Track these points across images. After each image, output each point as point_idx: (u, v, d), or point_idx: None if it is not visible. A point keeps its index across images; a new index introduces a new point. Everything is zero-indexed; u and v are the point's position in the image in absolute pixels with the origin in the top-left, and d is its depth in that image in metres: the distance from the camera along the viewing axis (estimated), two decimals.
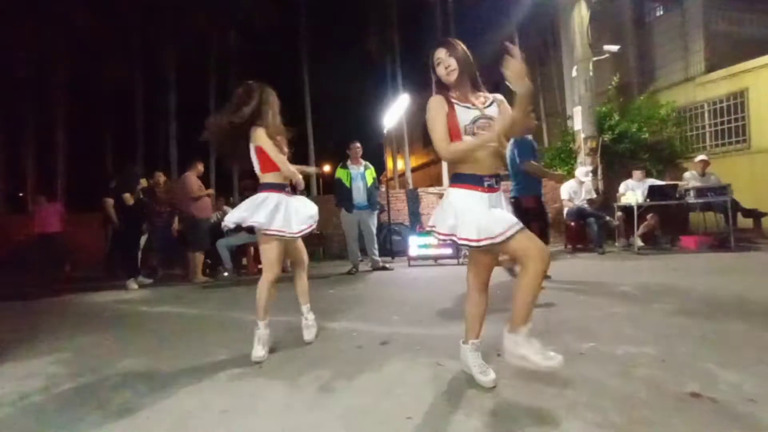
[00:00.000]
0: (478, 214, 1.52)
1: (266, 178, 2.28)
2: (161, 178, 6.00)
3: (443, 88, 1.65)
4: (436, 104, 1.61)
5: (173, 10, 12.41)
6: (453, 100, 1.60)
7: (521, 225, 1.50)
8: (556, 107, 11.39)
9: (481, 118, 1.59)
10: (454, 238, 1.57)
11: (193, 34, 12.41)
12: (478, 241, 1.49)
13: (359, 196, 5.22)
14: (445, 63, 1.61)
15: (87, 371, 2.08)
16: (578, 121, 7.19)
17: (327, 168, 25.40)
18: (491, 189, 1.59)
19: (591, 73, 7.13)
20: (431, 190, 7.84)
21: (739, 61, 7.90)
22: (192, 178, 5.36)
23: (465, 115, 1.58)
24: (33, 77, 11.90)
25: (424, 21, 14.37)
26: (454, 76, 1.61)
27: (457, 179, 1.62)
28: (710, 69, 8.50)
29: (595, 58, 7.19)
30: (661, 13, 10.05)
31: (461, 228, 1.53)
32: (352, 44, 15.80)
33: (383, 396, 1.62)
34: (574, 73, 7.32)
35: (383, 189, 8.35)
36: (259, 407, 1.59)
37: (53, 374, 2.07)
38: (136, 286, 4.88)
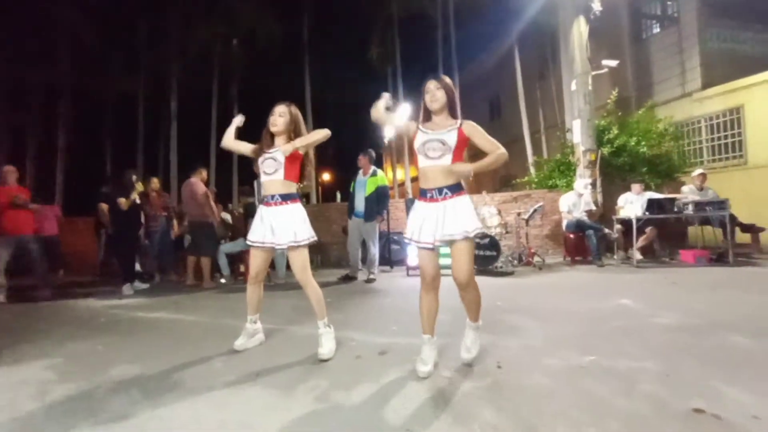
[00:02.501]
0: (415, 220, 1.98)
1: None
2: (156, 183, 5.98)
3: (427, 112, 2.03)
4: (410, 127, 2.07)
5: (176, 17, 12.55)
6: (420, 127, 2.01)
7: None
8: (555, 120, 11.50)
9: (430, 140, 1.94)
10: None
11: (196, 41, 12.52)
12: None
13: (359, 204, 5.21)
14: (432, 94, 1.97)
15: (79, 378, 2.04)
16: (577, 134, 7.24)
17: (327, 176, 25.51)
18: (431, 200, 1.95)
19: (590, 87, 7.22)
20: None
21: (734, 77, 8.02)
22: (200, 184, 5.37)
23: (420, 140, 1.98)
24: (34, 81, 11.94)
25: (426, 33, 14.57)
26: (436, 106, 1.97)
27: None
28: (706, 85, 8.62)
29: (594, 73, 7.28)
30: (658, 29, 10.24)
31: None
32: (354, 53, 16.00)
33: (381, 407, 1.59)
34: (573, 87, 7.40)
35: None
36: (255, 416, 1.56)
37: (45, 380, 2.02)
38: (131, 292, 4.82)
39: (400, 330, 2.75)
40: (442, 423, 1.45)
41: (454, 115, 2.01)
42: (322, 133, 2.34)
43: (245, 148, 2.46)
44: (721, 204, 5.40)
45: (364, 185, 5.17)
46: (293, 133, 2.36)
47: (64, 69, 12.03)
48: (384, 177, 5.27)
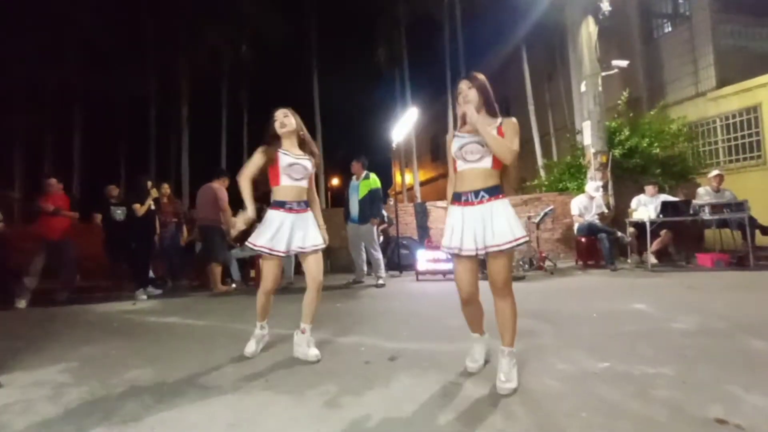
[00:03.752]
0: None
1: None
2: (166, 189, 6.08)
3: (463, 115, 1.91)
4: (447, 141, 1.98)
5: (186, 23, 12.81)
6: (455, 133, 1.93)
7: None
8: (564, 122, 11.38)
9: (468, 143, 1.83)
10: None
11: (206, 47, 12.76)
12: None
13: (353, 208, 5.24)
14: (465, 95, 1.86)
15: (93, 381, 2.08)
16: (587, 135, 7.16)
17: (336, 181, 25.60)
18: (467, 203, 1.85)
19: (600, 88, 7.13)
20: (440, 203, 7.79)
21: (750, 75, 7.83)
22: (223, 190, 5.41)
23: (456, 144, 1.89)
24: (48, 87, 12.28)
25: (433, 36, 14.61)
26: (469, 108, 1.83)
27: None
28: (721, 84, 8.44)
29: (603, 74, 7.19)
30: (669, 28, 10.09)
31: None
32: (361, 58, 16.10)
33: (391, 412, 1.58)
34: (582, 88, 7.33)
35: (391, 203, 8.34)
36: (266, 420, 1.57)
37: (59, 383, 2.06)
38: (145, 297, 4.90)
39: (410, 335, 2.73)
40: (453, 430, 1.43)
41: (492, 113, 1.87)
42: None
43: (255, 167, 2.34)
44: (740, 206, 5.26)
45: (357, 189, 5.20)
46: (301, 132, 2.39)
47: (78, 74, 12.33)
48: (377, 180, 5.28)
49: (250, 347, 2.38)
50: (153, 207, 5.24)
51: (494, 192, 1.81)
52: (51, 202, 4.89)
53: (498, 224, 1.76)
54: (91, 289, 5.67)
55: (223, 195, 5.38)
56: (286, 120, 2.34)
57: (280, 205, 2.31)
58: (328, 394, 1.79)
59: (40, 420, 1.66)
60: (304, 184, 2.37)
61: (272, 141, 2.36)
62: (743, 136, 8.16)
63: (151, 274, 5.59)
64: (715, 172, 6.12)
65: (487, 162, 1.81)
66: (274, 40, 13.24)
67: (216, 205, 5.30)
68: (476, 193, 1.81)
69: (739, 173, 7.82)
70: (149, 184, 5.23)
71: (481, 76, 1.89)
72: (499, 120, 1.85)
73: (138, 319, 3.76)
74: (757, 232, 5.57)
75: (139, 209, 5.03)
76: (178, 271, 6.23)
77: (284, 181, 2.31)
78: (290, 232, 2.27)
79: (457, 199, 1.88)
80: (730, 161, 8.29)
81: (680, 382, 1.74)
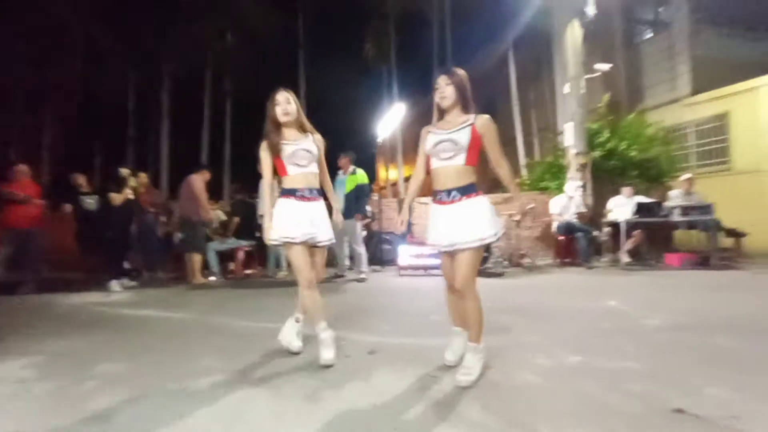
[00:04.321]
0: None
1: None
2: (144, 178, 5.88)
3: (440, 110, 1.92)
4: (421, 136, 1.97)
5: (169, 8, 12.36)
6: (430, 129, 1.92)
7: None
8: (547, 122, 11.60)
9: (442, 141, 1.83)
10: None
11: (189, 35, 12.34)
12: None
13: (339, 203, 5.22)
14: (441, 90, 1.85)
15: (61, 376, 2.00)
16: (569, 136, 7.32)
17: None
18: (440, 202, 1.88)
19: (583, 91, 7.30)
20: (423, 200, 7.83)
21: (723, 84, 8.18)
22: (199, 180, 5.33)
23: (431, 141, 1.89)
24: (18, 73, 11.65)
25: (421, 32, 14.59)
26: (445, 103, 1.86)
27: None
28: (696, 91, 8.77)
29: (587, 76, 7.36)
30: (651, 35, 10.39)
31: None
32: (349, 53, 15.95)
33: (370, 406, 1.59)
34: (566, 90, 7.48)
35: (375, 198, 8.33)
36: (244, 416, 1.55)
37: (23, 378, 1.98)
38: (119, 289, 4.75)
39: (391, 330, 2.75)
40: (430, 422, 1.45)
41: (467, 110, 1.87)
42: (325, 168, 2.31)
43: (270, 169, 2.18)
44: (706, 209, 5.52)
45: (344, 184, 5.19)
46: (303, 119, 2.23)
47: (51, 59, 11.75)
48: (364, 176, 5.28)
49: (328, 355, 2.04)
50: (132, 196, 5.06)
51: (467, 191, 1.80)
52: (20, 189, 4.67)
53: (465, 224, 1.77)
54: (59, 280, 5.45)
55: (198, 185, 5.27)
56: (289, 108, 2.15)
57: (291, 193, 2.14)
58: (308, 388, 1.78)
59: (2, 417, 1.59)
60: (314, 169, 2.19)
61: (272, 128, 2.16)
62: (712, 143, 8.53)
63: (126, 265, 5.42)
64: (686, 175, 6.39)
65: (460, 159, 1.81)
66: (260, 31, 12.93)
67: (193, 196, 5.21)
68: (449, 192, 1.82)
69: (708, 178, 8.16)
70: (127, 173, 5.06)
71: (460, 72, 1.86)
72: (473, 117, 1.83)
73: (111, 311, 3.64)
74: (722, 233, 5.86)
75: (116, 198, 4.86)
76: (154, 263, 6.06)
77: (291, 170, 2.16)
78: (308, 221, 2.10)
79: (434, 197, 1.91)
80: (700, 166, 8.65)
81: (648, 376, 1.81)
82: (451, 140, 1.81)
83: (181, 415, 1.55)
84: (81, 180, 5.41)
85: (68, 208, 5.41)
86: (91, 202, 5.29)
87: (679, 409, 1.47)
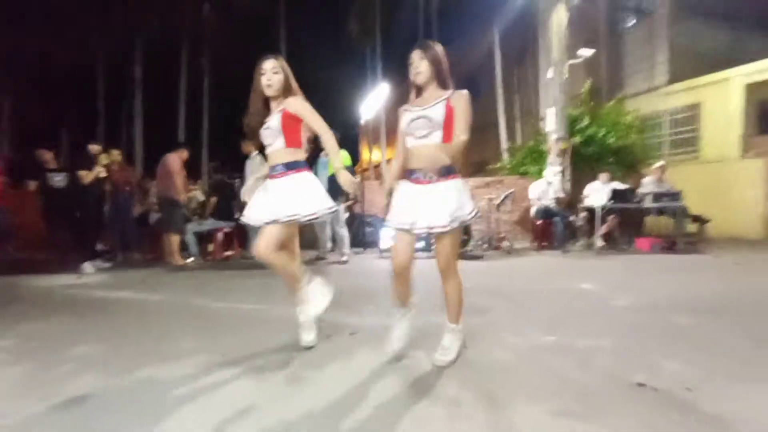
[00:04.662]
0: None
1: None
2: (117, 156, 5.63)
3: (417, 87, 1.84)
4: (399, 115, 1.88)
5: None
6: (405, 108, 1.86)
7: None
8: (530, 107, 11.68)
9: (417, 118, 1.77)
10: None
11: (165, 3, 11.61)
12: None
13: (322, 184, 5.15)
14: (416, 66, 1.78)
15: (34, 359, 1.95)
16: (551, 122, 7.42)
17: None
18: (417, 181, 1.80)
19: (566, 76, 7.36)
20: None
21: (700, 74, 8.41)
22: (175, 158, 5.14)
23: (406, 119, 1.82)
24: None
25: (407, 14, 14.25)
26: (420, 79, 1.79)
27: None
28: (672, 81, 9.00)
29: (570, 61, 7.41)
30: (633, 23, 10.50)
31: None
32: (333, 31, 15.44)
33: (350, 386, 1.62)
34: (549, 75, 7.52)
35: (357, 179, 8.27)
36: (224, 398, 1.55)
37: None
38: (92, 270, 4.60)
39: (372, 311, 2.79)
40: (408, 399, 1.50)
41: (444, 86, 1.78)
42: (325, 129, 2.03)
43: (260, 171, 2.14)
44: (675, 195, 5.76)
45: (327, 165, 5.11)
46: (294, 90, 2.01)
47: (9, 23, 10.86)
48: (348, 157, 5.20)
49: (309, 336, 2.03)
50: (104, 175, 4.85)
51: (445, 172, 1.72)
52: None
53: (444, 205, 1.71)
54: (26, 261, 5.24)
55: (173, 163, 5.10)
56: (273, 78, 1.95)
57: (269, 172, 2.06)
58: (288, 368, 1.80)
59: None
60: (279, 145, 1.99)
61: (256, 106, 2.00)
62: (685, 132, 8.83)
63: (99, 246, 5.25)
64: (659, 163, 6.62)
65: (437, 137, 1.73)
66: (241, 2, 12.30)
67: (168, 174, 5.05)
68: (425, 172, 1.75)
69: (678, 166, 8.49)
70: (97, 149, 4.82)
71: (436, 47, 1.77)
72: (450, 92, 1.76)
73: (84, 293, 3.53)
74: (688, 219, 6.16)
75: (86, 176, 4.64)
76: (130, 244, 5.88)
77: (267, 150, 2.06)
78: (269, 201, 1.97)
79: (409, 175, 1.81)
80: (673, 154, 8.97)
81: (615, 353, 1.92)
82: (426, 117, 1.73)
83: (159, 399, 1.54)
84: (47, 156, 5.13)
85: (32, 185, 5.13)
86: (59, 179, 5.04)
87: (641, 383, 1.57)
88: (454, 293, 1.84)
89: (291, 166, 2.01)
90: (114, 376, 1.74)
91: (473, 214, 1.77)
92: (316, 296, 2.14)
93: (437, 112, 1.73)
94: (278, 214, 1.92)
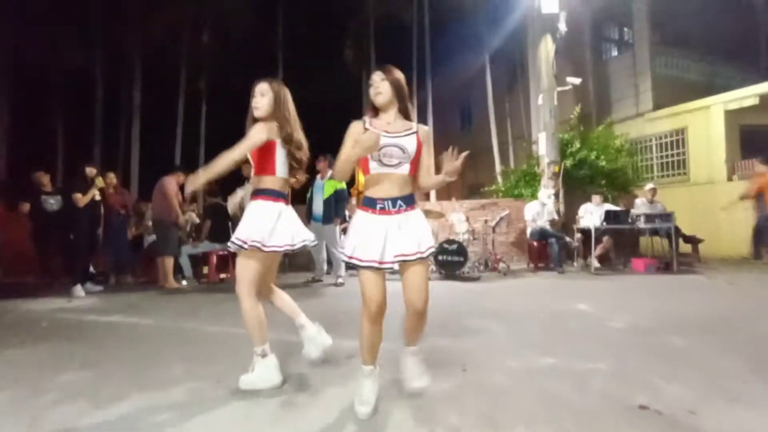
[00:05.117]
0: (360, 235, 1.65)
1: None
2: (112, 179, 5.65)
3: (374, 110, 1.75)
4: (353, 129, 1.75)
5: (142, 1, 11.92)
6: (368, 127, 1.71)
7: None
8: (522, 132, 11.99)
9: (389, 146, 1.65)
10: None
11: (164, 29, 11.92)
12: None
13: (317, 208, 5.19)
14: (376, 86, 1.71)
15: (21, 386, 1.89)
16: (543, 146, 7.61)
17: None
18: (383, 211, 1.66)
19: (555, 102, 7.61)
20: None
21: (681, 101, 8.78)
22: (172, 181, 5.19)
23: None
24: None
25: (401, 38, 14.76)
26: (380, 100, 1.70)
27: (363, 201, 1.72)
28: (657, 107, 9.35)
29: (559, 89, 7.69)
30: (616, 53, 10.99)
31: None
32: (328, 55, 15.91)
33: (347, 411, 1.59)
34: (540, 101, 7.78)
35: (353, 202, 8.32)
36: (219, 421, 1.51)
37: None
38: (83, 294, 4.52)
39: None
40: (407, 426, 1.47)
41: (406, 116, 1.74)
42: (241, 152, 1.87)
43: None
44: (668, 217, 5.86)
45: (322, 188, 5.16)
46: (281, 114, 1.95)
47: (7, 42, 11.01)
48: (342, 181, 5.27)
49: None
50: (98, 198, 4.84)
51: (411, 201, 1.70)
52: None
53: (419, 231, 1.66)
54: (15, 285, 5.13)
55: (170, 186, 5.13)
56: (259, 101, 1.93)
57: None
58: (284, 393, 1.77)
59: None
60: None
61: (250, 125, 1.96)
62: (672, 155, 9.09)
63: (91, 269, 5.17)
64: (650, 185, 6.78)
65: (405, 169, 1.68)
66: (239, 29, 12.70)
67: (165, 197, 5.07)
68: (394, 201, 1.67)
69: (669, 187, 8.68)
70: (93, 172, 4.84)
71: (397, 72, 1.73)
72: (414, 125, 1.74)
73: (74, 317, 3.45)
74: (681, 240, 6.25)
75: (80, 199, 4.63)
76: (123, 267, 5.80)
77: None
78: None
79: (370, 205, 1.68)
80: (662, 176, 9.19)
81: (614, 375, 1.91)
82: (399, 146, 1.66)
83: (151, 424, 1.49)
84: (44, 179, 5.13)
85: (25, 207, 5.11)
86: (53, 202, 5.02)
87: (643, 406, 1.56)
88: (423, 325, 1.75)
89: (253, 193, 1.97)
90: (103, 404, 1.69)
91: (433, 248, 1.71)
92: (264, 372, 1.90)
93: (411, 144, 1.68)
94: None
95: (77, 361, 2.27)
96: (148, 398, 1.74)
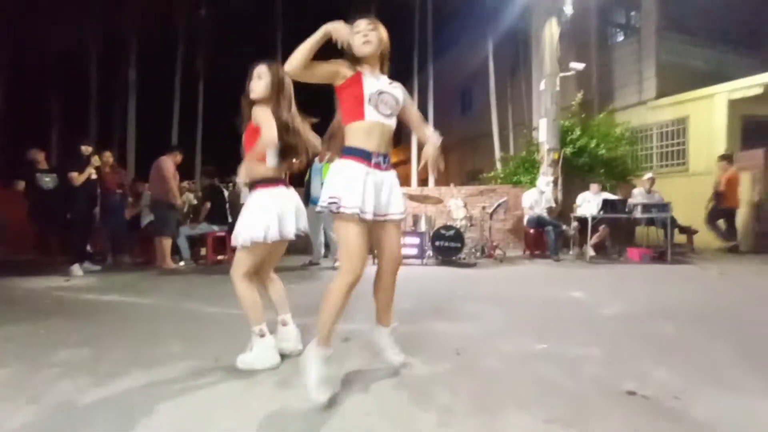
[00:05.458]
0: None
1: None
2: (109, 157, 5.59)
3: (354, 60, 1.60)
4: (339, 62, 1.59)
5: None
6: (359, 69, 1.59)
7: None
8: (523, 118, 11.86)
9: (385, 93, 1.60)
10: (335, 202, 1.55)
11: (161, 5, 11.58)
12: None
13: (315, 190, 5.17)
14: (365, 33, 1.57)
15: (20, 362, 1.91)
16: (543, 132, 7.54)
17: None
18: (377, 166, 1.61)
19: (557, 88, 7.50)
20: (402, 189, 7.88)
21: (684, 89, 8.66)
22: (169, 162, 5.15)
23: (371, 86, 1.58)
24: None
25: (402, 29, 14.41)
26: (367, 49, 1.57)
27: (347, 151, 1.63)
28: (660, 95, 9.23)
29: (562, 74, 7.57)
30: (622, 38, 10.77)
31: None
32: (329, 42, 15.57)
33: (343, 392, 1.62)
34: (542, 87, 7.66)
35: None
36: (216, 402, 1.54)
37: None
38: (81, 273, 4.53)
39: (364, 317, 2.77)
40: (401, 406, 1.50)
41: (383, 72, 1.68)
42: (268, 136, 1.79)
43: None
44: (665, 207, 5.88)
45: (320, 171, 5.12)
46: (277, 98, 1.91)
47: (4, 23, 10.73)
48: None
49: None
50: (94, 176, 4.79)
51: (390, 160, 1.69)
52: None
53: (395, 193, 1.67)
54: (12, 262, 5.13)
55: (167, 166, 5.09)
56: (256, 84, 1.90)
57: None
58: (281, 374, 1.79)
59: None
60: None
61: (245, 108, 1.96)
62: (673, 144, 9.05)
63: (88, 248, 5.17)
64: (648, 175, 6.77)
65: (393, 121, 1.64)
66: (238, 7, 12.35)
67: (162, 177, 5.04)
68: (385, 157, 1.63)
69: (667, 177, 8.67)
70: (89, 150, 4.77)
71: (384, 28, 1.63)
72: (396, 83, 1.70)
73: (72, 296, 3.47)
74: (676, 230, 6.29)
75: (77, 178, 4.58)
76: (120, 246, 5.81)
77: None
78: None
79: (365, 157, 1.58)
80: (661, 166, 9.17)
81: (605, 361, 1.95)
82: (394, 96, 1.62)
83: (149, 402, 1.52)
84: (39, 156, 5.07)
85: (20, 185, 5.06)
86: (48, 180, 4.98)
87: (631, 391, 1.60)
88: (394, 290, 1.83)
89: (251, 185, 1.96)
90: (103, 380, 1.71)
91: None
92: (263, 352, 1.91)
93: (400, 96, 1.64)
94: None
95: (76, 338, 2.29)
96: (146, 375, 1.76)
